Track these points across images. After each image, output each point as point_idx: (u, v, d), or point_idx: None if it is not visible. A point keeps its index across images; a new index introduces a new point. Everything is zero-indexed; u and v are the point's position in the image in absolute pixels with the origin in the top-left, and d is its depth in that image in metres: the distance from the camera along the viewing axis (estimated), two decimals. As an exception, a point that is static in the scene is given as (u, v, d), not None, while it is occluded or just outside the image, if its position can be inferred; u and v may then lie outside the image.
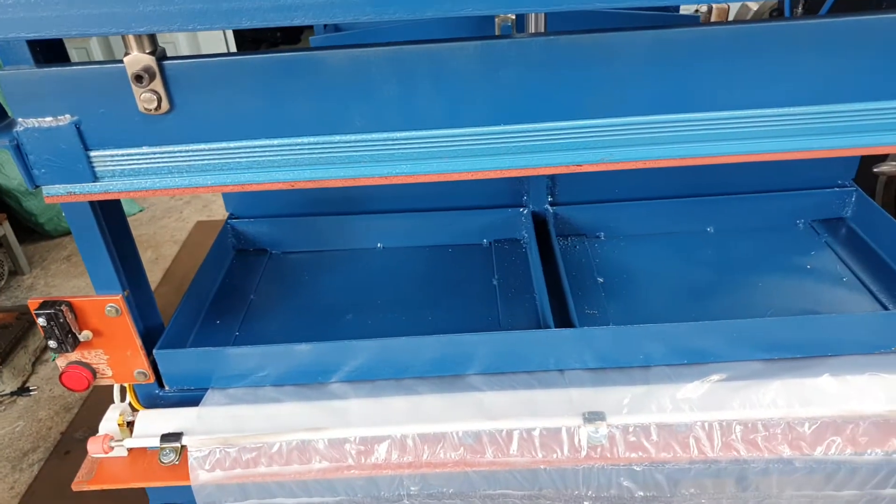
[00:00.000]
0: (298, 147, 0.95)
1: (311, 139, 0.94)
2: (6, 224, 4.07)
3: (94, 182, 0.98)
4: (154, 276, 4.09)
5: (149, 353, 1.21)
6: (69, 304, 1.15)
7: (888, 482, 1.16)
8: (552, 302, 1.34)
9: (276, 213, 1.64)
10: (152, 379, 1.23)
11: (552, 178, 1.56)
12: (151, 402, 1.27)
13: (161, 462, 1.14)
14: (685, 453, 1.13)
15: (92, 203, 1.09)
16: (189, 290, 1.40)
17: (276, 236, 1.64)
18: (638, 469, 1.13)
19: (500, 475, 1.15)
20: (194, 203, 5.04)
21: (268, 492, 1.17)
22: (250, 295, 1.50)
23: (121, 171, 0.97)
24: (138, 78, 0.88)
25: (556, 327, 1.29)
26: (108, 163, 0.96)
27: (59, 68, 0.90)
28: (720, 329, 1.19)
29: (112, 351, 1.19)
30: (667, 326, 1.18)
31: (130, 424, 1.21)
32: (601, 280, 1.45)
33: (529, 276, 1.47)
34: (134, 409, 1.25)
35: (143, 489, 1.24)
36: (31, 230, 4.37)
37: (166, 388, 1.26)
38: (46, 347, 0.98)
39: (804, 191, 1.57)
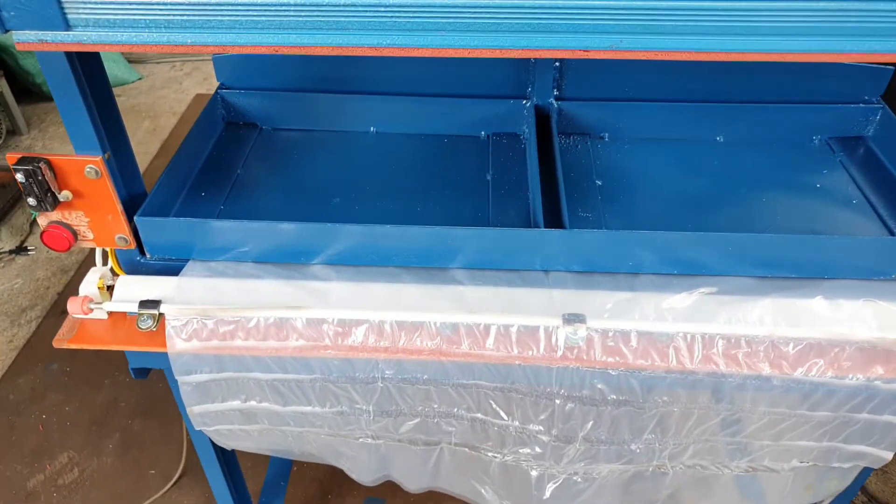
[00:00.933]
0: (285, 7, 0.87)
1: (299, 0, 0.87)
2: (3, 82, 3.97)
3: (66, 31, 0.90)
4: (151, 146, 4.04)
5: (130, 219, 1.19)
6: (48, 162, 1.11)
7: (864, 407, 1.16)
8: (547, 203, 1.30)
9: (269, 87, 1.57)
10: (133, 245, 1.21)
11: (560, 69, 1.48)
12: (133, 268, 1.26)
13: (139, 328, 1.14)
14: (663, 362, 1.12)
15: (70, 56, 1.03)
16: (174, 159, 1.36)
17: (267, 111, 1.57)
18: (613, 373, 1.13)
19: (474, 366, 1.15)
20: (194, 75, 4.90)
21: (244, 365, 1.18)
22: (237, 169, 1.46)
23: (95, 20, 0.89)
24: None
25: (547, 227, 1.26)
26: (81, 10, 0.89)
27: None
28: (714, 241, 1.16)
29: (93, 213, 1.17)
30: (658, 234, 1.15)
31: (111, 288, 1.21)
32: (599, 183, 1.40)
33: (525, 174, 1.42)
34: (115, 274, 1.24)
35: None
36: (29, 90, 4.27)
37: (148, 255, 1.24)
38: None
39: (825, 104, 1.49)
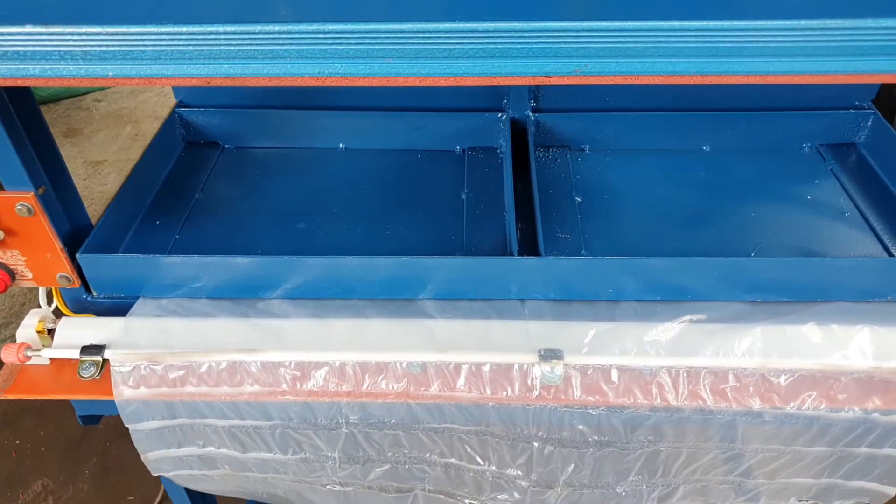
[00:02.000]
0: (213, 36, 0.78)
1: (229, 27, 0.77)
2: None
3: None
4: (133, 153, 3.94)
5: (72, 256, 1.11)
6: (-28, 200, 1.03)
7: (862, 441, 1.08)
8: (525, 222, 1.21)
9: (231, 104, 1.48)
10: (77, 283, 1.13)
11: (535, 81, 1.39)
12: (80, 306, 1.18)
13: (80, 376, 1.06)
14: (646, 399, 1.04)
15: None
16: (125, 185, 1.28)
17: (229, 129, 1.49)
18: (593, 413, 1.05)
19: (445, 409, 1.07)
20: (176, 79, 4.79)
21: (198, 412, 1.09)
22: (196, 193, 1.37)
23: (2, 53, 0.80)
24: None
25: (522, 252, 1.18)
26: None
27: None
28: (698, 266, 1.08)
29: (29, 252, 1.08)
30: (639, 261, 1.07)
31: (52, 332, 1.13)
32: (579, 200, 1.32)
33: (502, 192, 1.33)
34: (59, 316, 1.15)
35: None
36: None
37: (94, 293, 1.16)
38: None
39: (814, 111, 1.41)
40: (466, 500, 1.21)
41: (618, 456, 1.10)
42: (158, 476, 2.17)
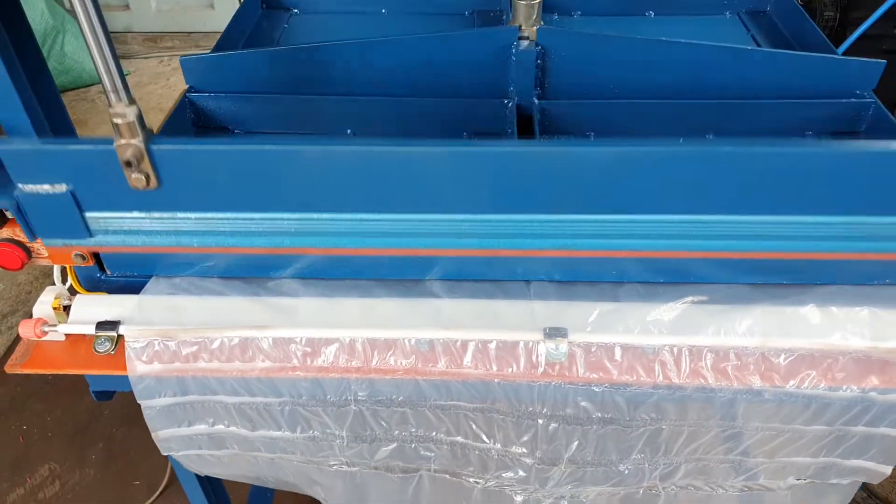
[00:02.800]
0: (277, 220, 1.02)
1: (289, 215, 1.01)
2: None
3: (89, 237, 1.06)
4: (138, 145, 3.97)
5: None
6: (-6, 178, 1.05)
7: (860, 420, 1.10)
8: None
9: (241, 90, 1.50)
10: (91, 262, 1.15)
11: (541, 68, 1.41)
12: (93, 285, 1.20)
13: (96, 351, 1.08)
14: (649, 377, 1.06)
15: (16, 78, 0.98)
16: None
17: (239, 114, 1.50)
18: (597, 390, 1.07)
19: (452, 386, 1.10)
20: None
21: (209, 388, 1.12)
22: (207, 177, 1.39)
23: (114, 229, 1.04)
24: (128, 164, 0.94)
25: (527, 235, 1.20)
26: (102, 223, 1.04)
27: (57, 145, 0.98)
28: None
29: (46, 231, 1.11)
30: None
31: (68, 308, 1.15)
32: (584, 185, 1.34)
33: (507, 177, 1.35)
34: (74, 293, 1.18)
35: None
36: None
37: (108, 272, 1.18)
38: None
39: (817, 100, 1.42)
40: (471, 479, 1.23)
41: (621, 434, 1.13)
42: (166, 461, 2.20)
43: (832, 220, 1.02)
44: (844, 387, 1.07)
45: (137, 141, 0.92)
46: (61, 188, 0.98)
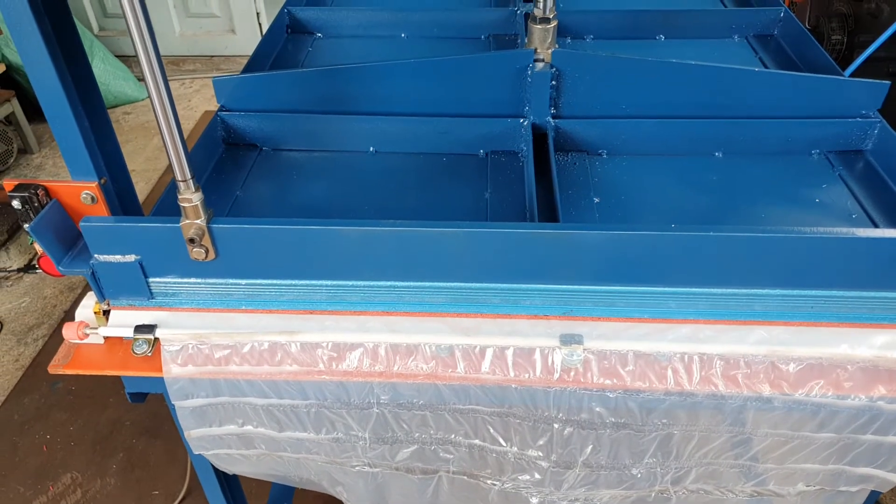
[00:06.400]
0: (317, 287, 1.15)
1: (328, 282, 1.15)
2: (14, 101, 4.01)
3: (150, 299, 1.18)
4: (160, 163, 4.07)
5: (126, 244, 1.20)
6: (45, 189, 1.13)
7: (868, 428, 1.13)
8: (544, 220, 1.28)
9: (269, 108, 1.57)
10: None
11: (556, 88, 1.47)
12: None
13: (134, 353, 1.14)
14: (661, 384, 1.11)
15: (65, 81, 1.08)
16: (173, 181, 1.36)
17: (267, 132, 1.58)
18: (611, 396, 1.11)
19: (470, 390, 1.14)
20: (203, 92, 4.94)
21: (239, 390, 1.17)
22: (237, 191, 1.46)
23: (173, 292, 1.17)
24: (191, 240, 1.07)
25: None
26: (163, 287, 1.17)
27: (129, 224, 1.12)
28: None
29: (89, 239, 1.18)
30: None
31: (108, 313, 1.21)
32: (597, 200, 1.39)
33: (524, 192, 1.41)
34: (111, 299, 1.24)
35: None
36: (40, 110, 4.32)
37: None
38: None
39: (823, 119, 1.47)
40: (489, 481, 1.27)
41: (634, 438, 1.16)
42: (185, 471, 2.24)
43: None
44: (852, 395, 1.11)
45: (201, 221, 1.06)
46: (130, 258, 1.13)
